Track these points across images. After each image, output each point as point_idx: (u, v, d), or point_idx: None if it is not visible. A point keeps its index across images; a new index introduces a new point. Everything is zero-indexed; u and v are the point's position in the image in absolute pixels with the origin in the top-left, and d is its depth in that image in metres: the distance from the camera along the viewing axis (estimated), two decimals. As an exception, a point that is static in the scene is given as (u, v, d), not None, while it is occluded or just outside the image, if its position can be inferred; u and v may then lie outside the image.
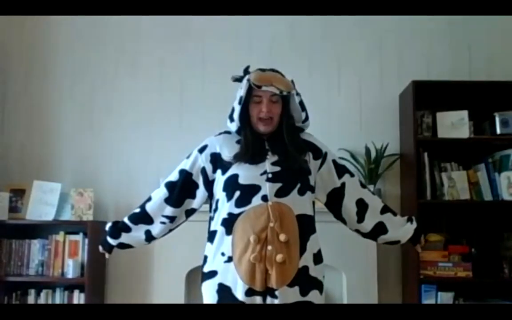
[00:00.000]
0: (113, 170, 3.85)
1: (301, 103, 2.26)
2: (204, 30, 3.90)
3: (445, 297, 3.34)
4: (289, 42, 3.87)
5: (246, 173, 2.13)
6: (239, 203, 2.10)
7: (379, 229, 2.32)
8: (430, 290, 3.34)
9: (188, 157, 2.36)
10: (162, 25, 3.92)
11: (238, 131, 2.27)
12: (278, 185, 2.10)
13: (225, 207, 2.13)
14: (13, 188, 3.74)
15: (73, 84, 3.93)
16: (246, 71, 2.28)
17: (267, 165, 2.14)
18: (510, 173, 3.36)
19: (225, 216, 2.13)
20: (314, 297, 2.10)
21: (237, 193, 2.11)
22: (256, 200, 2.08)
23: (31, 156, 3.87)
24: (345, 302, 3.52)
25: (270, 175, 2.11)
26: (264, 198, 2.08)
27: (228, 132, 2.33)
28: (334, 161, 2.32)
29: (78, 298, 3.53)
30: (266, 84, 2.18)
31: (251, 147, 2.18)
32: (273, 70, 2.29)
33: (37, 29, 3.97)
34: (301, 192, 2.15)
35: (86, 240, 3.56)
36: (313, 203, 2.27)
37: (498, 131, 3.46)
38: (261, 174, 2.11)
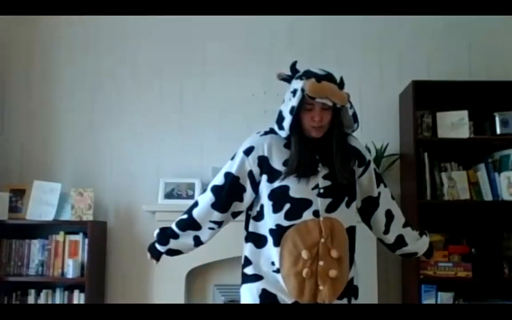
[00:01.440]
0: (113, 170, 3.85)
1: (354, 115, 2.21)
2: (204, 30, 3.90)
3: (445, 297, 3.34)
4: (289, 42, 3.87)
5: (297, 187, 2.07)
6: (289, 216, 2.05)
7: (400, 241, 2.33)
8: (430, 290, 3.34)
9: (232, 158, 2.20)
10: (162, 25, 3.92)
11: (288, 137, 2.15)
12: (329, 200, 2.07)
13: (272, 218, 2.08)
14: (13, 188, 3.74)
15: (73, 84, 3.93)
16: (294, 68, 2.21)
17: (319, 179, 2.09)
18: (510, 173, 3.36)
19: (273, 226, 2.08)
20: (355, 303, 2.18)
21: (287, 206, 2.06)
22: (307, 215, 2.04)
23: (31, 156, 3.87)
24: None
25: (322, 191, 2.07)
26: (316, 213, 2.05)
27: (274, 132, 2.19)
28: (374, 170, 2.31)
29: (78, 298, 3.53)
30: (321, 96, 2.09)
31: (303, 160, 2.09)
32: (328, 76, 2.20)
33: (37, 29, 3.97)
34: (348, 205, 2.13)
35: (86, 240, 3.56)
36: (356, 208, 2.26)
37: (498, 131, 3.46)
38: (313, 189, 2.07)
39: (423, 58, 3.83)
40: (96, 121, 3.89)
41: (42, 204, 3.63)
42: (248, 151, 2.16)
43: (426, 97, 3.50)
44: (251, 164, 2.14)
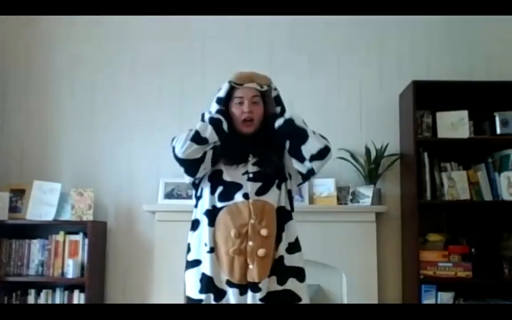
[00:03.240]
0: (113, 170, 3.85)
1: (277, 98, 2.35)
2: (204, 30, 3.91)
3: (445, 297, 3.34)
4: (289, 42, 3.88)
5: (229, 171, 2.25)
6: (222, 198, 2.21)
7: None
8: (430, 290, 3.34)
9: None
10: (162, 25, 3.92)
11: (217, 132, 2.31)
12: (259, 184, 2.22)
13: (209, 199, 2.24)
14: (13, 188, 3.74)
15: (73, 84, 3.93)
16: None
17: (249, 166, 2.25)
18: (510, 173, 3.36)
19: (209, 207, 2.23)
20: (292, 285, 2.19)
21: (220, 188, 2.23)
22: (238, 197, 2.19)
23: (31, 156, 3.87)
24: (345, 302, 3.53)
25: (251, 175, 2.23)
26: (246, 196, 2.19)
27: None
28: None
29: (78, 298, 3.53)
30: (246, 81, 2.30)
31: (231, 150, 2.28)
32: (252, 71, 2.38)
33: (37, 29, 3.97)
34: (279, 186, 2.26)
35: (86, 240, 3.56)
36: (289, 191, 2.34)
37: (498, 131, 3.46)
38: (243, 174, 2.24)
39: (423, 58, 3.84)
40: (96, 121, 3.89)
41: (42, 204, 3.63)
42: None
43: (426, 97, 3.50)
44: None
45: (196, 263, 2.23)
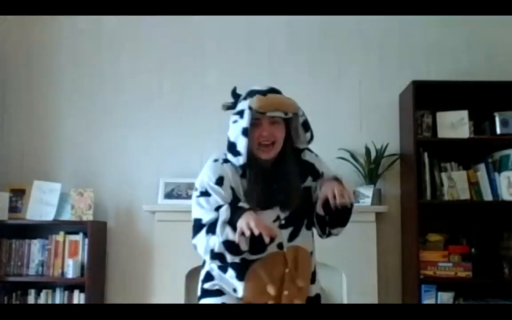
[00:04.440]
0: (113, 170, 3.85)
1: (305, 123, 2.06)
2: (204, 30, 3.91)
3: (445, 297, 3.34)
4: (289, 42, 3.88)
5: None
6: (255, 250, 1.92)
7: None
8: (430, 290, 3.35)
9: (203, 194, 1.99)
10: (162, 25, 3.92)
11: (243, 166, 2.01)
12: (291, 229, 2.01)
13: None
14: (13, 188, 3.74)
15: (73, 84, 3.93)
16: (235, 93, 2.08)
17: (279, 210, 2.00)
18: (510, 173, 3.36)
19: (237, 260, 1.94)
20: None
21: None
22: (272, 248, 1.95)
23: (31, 156, 3.87)
24: (345, 302, 3.52)
25: (283, 222, 2.00)
26: (280, 246, 1.98)
27: (228, 161, 2.04)
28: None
29: (78, 298, 3.53)
30: (270, 109, 1.96)
31: (262, 192, 1.97)
32: (272, 89, 2.05)
33: (37, 29, 3.97)
34: (309, 227, 2.09)
35: (86, 240, 3.56)
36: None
37: (498, 131, 3.46)
38: (274, 221, 1.98)
39: (423, 58, 3.84)
40: (96, 121, 3.89)
41: (42, 204, 3.63)
42: (219, 182, 1.99)
43: (426, 97, 3.50)
44: (228, 194, 1.97)
45: (218, 293, 2.03)
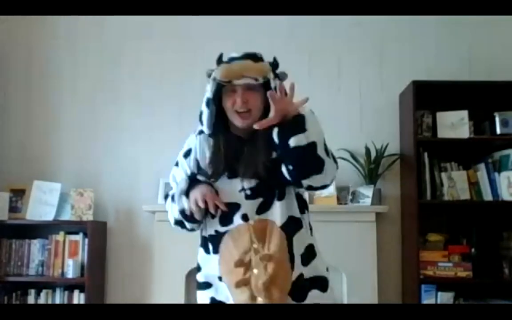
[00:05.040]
0: (113, 170, 3.85)
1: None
2: (204, 30, 3.91)
3: (445, 297, 3.34)
4: (289, 42, 3.87)
5: (225, 189, 1.91)
6: (223, 221, 1.90)
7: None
8: (430, 290, 3.35)
9: (177, 165, 2.10)
10: (162, 26, 3.92)
11: (211, 135, 2.00)
12: (259, 200, 1.89)
13: (211, 223, 1.94)
14: (13, 188, 3.74)
15: (73, 84, 3.93)
16: (220, 60, 1.97)
17: (245, 180, 1.90)
18: (510, 173, 3.36)
19: (212, 232, 1.94)
20: (314, 297, 1.93)
21: (219, 210, 1.90)
22: (237, 219, 1.88)
23: (31, 156, 3.87)
24: (345, 302, 3.53)
25: (248, 192, 1.89)
26: (245, 217, 1.87)
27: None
28: None
29: (78, 298, 3.53)
30: (237, 77, 1.87)
31: (225, 159, 1.92)
32: (243, 56, 1.94)
33: (37, 29, 3.97)
34: (282, 197, 1.90)
35: (86, 240, 3.56)
36: (297, 194, 1.96)
37: (498, 131, 3.46)
38: (240, 191, 1.89)
39: (423, 58, 3.84)
40: (96, 121, 3.89)
41: (42, 204, 3.63)
42: (186, 154, 2.06)
43: (426, 97, 3.50)
44: (192, 167, 2.02)
45: (206, 285, 1.99)
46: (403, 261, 3.67)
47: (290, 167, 1.82)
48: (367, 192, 3.58)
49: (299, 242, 1.91)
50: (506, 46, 3.84)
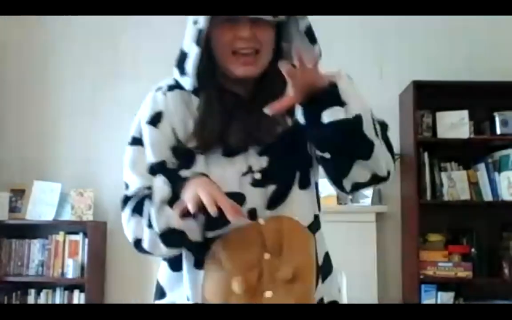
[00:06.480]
0: (113, 170, 3.84)
1: (309, 31, 1.43)
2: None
3: (445, 297, 3.34)
4: (289, 42, 3.87)
5: (219, 173, 1.23)
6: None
7: None
8: (430, 290, 3.35)
9: (134, 143, 1.39)
10: (162, 25, 3.91)
11: (196, 91, 1.35)
12: (272, 188, 1.24)
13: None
14: (13, 188, 3.74)
15: (73, 84, 3.93)
16: None
17: (251, 158, 1.26)
18: (510, 173, 3.36)
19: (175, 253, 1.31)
20: None
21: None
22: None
23: (31, 156, 3.87)
24: (345, 302, 3.52)
25: (257, 176, 1.25)
26: (252, 214, 1.23)
27: (177, 86, 1.43)
28: None
29: (78, 298, 3.54)
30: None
31: (219, 128, 1.26)
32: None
33: (37, 29, 3.97)
34: (304, 183, 1.30)
35: (86, 240, 3.56)
36: (316, 184, 1.39)
37: (498, 131, 3.47)
38: (243, 174, 1.25)
39: (423, 58, 3.83)
40: (96, 121, 3.89)
41: (42, 204, 3.63)
42: (155, 119, 1.38)
43: (426, 97, 3.50)
44: (170, 142, 1.30)
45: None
46: (403, 261, 3.67)
47: (327, 156, 1.25)
48: (367, 192, 3.58)
49: (321, 250, 1.36)
50: (506, 46, 3.83)
